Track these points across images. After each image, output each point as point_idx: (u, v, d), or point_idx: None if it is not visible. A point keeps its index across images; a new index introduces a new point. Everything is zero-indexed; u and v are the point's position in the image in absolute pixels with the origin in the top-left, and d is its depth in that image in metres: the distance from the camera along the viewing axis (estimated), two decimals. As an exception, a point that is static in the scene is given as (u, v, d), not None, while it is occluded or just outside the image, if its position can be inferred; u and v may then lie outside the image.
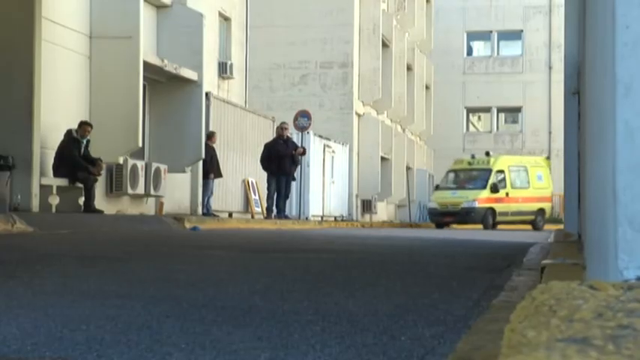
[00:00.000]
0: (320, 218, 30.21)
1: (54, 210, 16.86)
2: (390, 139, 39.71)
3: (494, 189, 36.17)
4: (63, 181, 17.34)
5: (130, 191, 19.52)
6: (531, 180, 37.81)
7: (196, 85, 22.18)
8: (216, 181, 23.61)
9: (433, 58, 50.71)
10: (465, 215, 35.58)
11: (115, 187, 19.41)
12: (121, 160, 19.29)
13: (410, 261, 9.23)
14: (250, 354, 3.37)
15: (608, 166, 3.07)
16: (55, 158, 17.47)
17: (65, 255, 8.44)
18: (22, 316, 4.14)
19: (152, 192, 20.31)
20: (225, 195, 25.19)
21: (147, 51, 20.29)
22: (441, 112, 50.76)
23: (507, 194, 36.42)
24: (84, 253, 8.80)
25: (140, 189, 19.84)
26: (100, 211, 17.69)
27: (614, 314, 2.20)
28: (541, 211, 38.05)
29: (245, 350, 3.44)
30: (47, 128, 17.25)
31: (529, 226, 37.39)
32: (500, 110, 53.82)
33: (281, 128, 24.99)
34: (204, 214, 22.83)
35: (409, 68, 44.57)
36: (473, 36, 54.16)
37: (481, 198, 35.76)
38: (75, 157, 17.40)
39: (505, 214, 36.36)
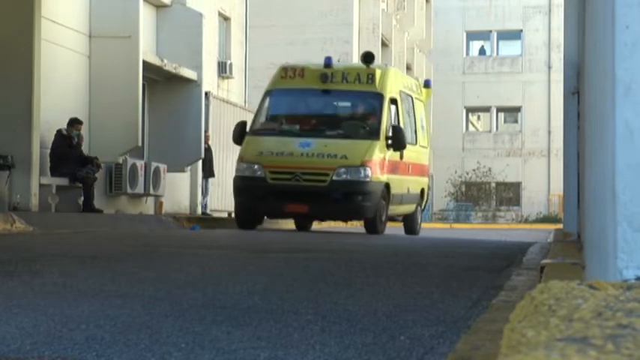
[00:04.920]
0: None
1: (53, 209, 16.85)
2: (389, 138, 39.66)
3: (398, 143, 17.27)
4: (62, 181, 17.33)
5: (129, 191, 19.51)
6: (417, 127, 19.81)
7: (196, 84, 22.17)
8: (215, 180, 23.60)
9: (433, 57, 50.70)
10: (341, 202, 16.31)
11: (115, 187, 19.40)
12: (120, 160, 19.28)
13: (409, 261, 9.23)
14: (250, 353, 3.37)
15: (607, 165, 3.07)
16: (50, 160, 17.43)
17: (65, 255, 8.44)
18: (21, 315, 4.14)
19: (151, 192, 20.30)
20: (224, 195, 25.18)
21: (146, 50, 20.29)
22: (440, 112, 50.73)
23: (402, 155, 17.84)
24: (83, 253, 8.80)
25: (139, 189, 19.83)
26: (100, 211, 17.69)
27: (613, 314, 2.20)
28: (421, 194, 19.97)
29: (244, 350, 3.44)
30: (46, 127, 17.23)
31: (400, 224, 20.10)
32: (499, 110, 53.79)
33: None
34: (203, 213, 22.85)
35: (409, 68, 44.56)
36: (472, 36, 54.16)
37: (375, 160, 16.66)
38: (68, 155, 17.34)
39: (398, 199, 17.98)
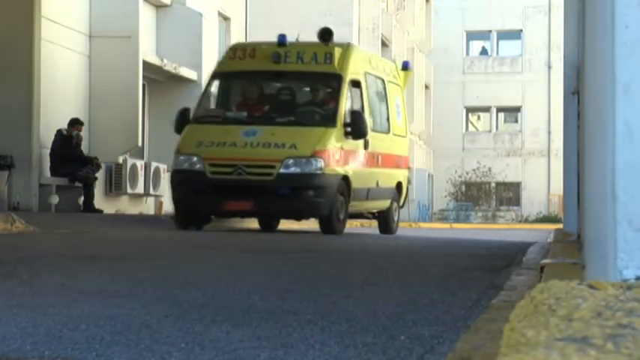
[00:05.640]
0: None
1: (53, 209, 16.85)
2: (389, 138, 39.64)
3: (358, 130, 15.20)
4: (62, 181, 17.34)
5: (129, 191, 19.52)
6: (391, 113, 17.48)
7: (195, 84, 22.18)
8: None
9: (432, 57, 50.70)
10: (290, 198, 14.32)
11: (115, 187, 19.41)
12: (120, 160, 19.29)
13: (409, 261, 9.23)
14: (249, 353, 3.37)
15: (607, 165, 3.07)
16: (50, 160, 17.44)
17: (65, 255, 8.44)
18: (21, 315, 4.14)
19: (151, 191, 20.31)
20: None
21: (146, 50, 20.30)
22: (440, 112, 50.74)
23: (367, 144, 15.74)
24: (83, 253, 8.80)
25: (139, 188, 19.84)
26: (100, 211, 17.69)
27: (613, 313, 2.20)
28: (398, 189, 17.75)
29: (244, 350, 3.44)
30: (46, 128, 17.24)
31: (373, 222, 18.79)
32: (499, 110, 53.81)
33: None
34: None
35: (409, 68, 44.55)
36: (472, 36, 54.17)
37: (331, 150, 14.65)
38: (68, 155, 17.34)
39: (362, 194, 15.80)
